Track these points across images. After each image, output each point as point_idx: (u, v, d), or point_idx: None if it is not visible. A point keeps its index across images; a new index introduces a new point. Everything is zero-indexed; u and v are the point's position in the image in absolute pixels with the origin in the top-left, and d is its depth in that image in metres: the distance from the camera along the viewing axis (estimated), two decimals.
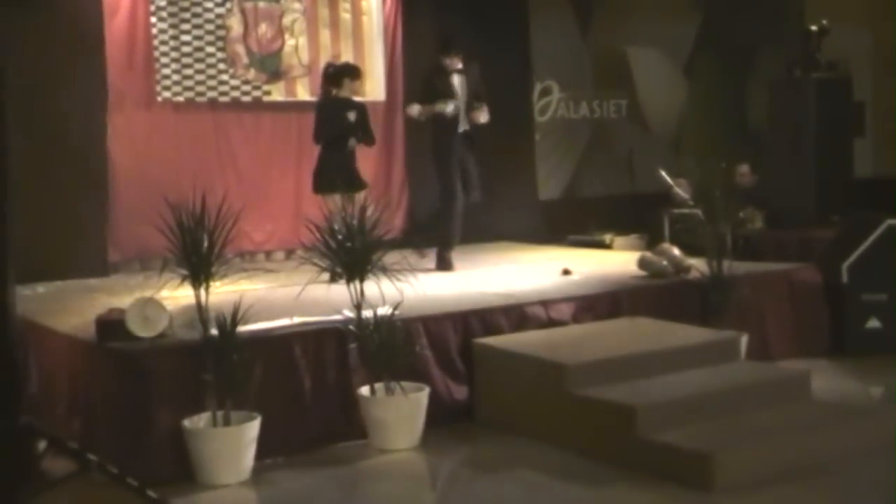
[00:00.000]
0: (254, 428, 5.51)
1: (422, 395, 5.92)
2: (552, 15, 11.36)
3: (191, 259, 5.61)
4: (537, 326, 6.69)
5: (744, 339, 6.89)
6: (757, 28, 12.36)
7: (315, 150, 8.55)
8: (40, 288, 7.94)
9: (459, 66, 8.39)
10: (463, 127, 8.39)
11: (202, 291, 5.58)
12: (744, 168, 9.68)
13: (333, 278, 6.14)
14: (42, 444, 5.30)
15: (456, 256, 8.54)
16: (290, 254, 9.51)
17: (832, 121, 9.66)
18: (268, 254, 9.60)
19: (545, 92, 11.40)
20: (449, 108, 8.22)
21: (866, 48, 12.08)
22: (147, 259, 8.70)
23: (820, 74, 9.76)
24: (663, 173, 10.03)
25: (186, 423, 5.48)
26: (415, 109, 8.39)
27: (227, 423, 5.48)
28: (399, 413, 5.90)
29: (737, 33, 12.29)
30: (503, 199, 10.32)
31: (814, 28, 9.99)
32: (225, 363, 5.48)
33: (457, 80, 8.35)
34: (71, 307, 7.00)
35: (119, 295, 7.03)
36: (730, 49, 12.35)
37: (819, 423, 5.79)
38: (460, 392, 6.31)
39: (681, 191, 9.69)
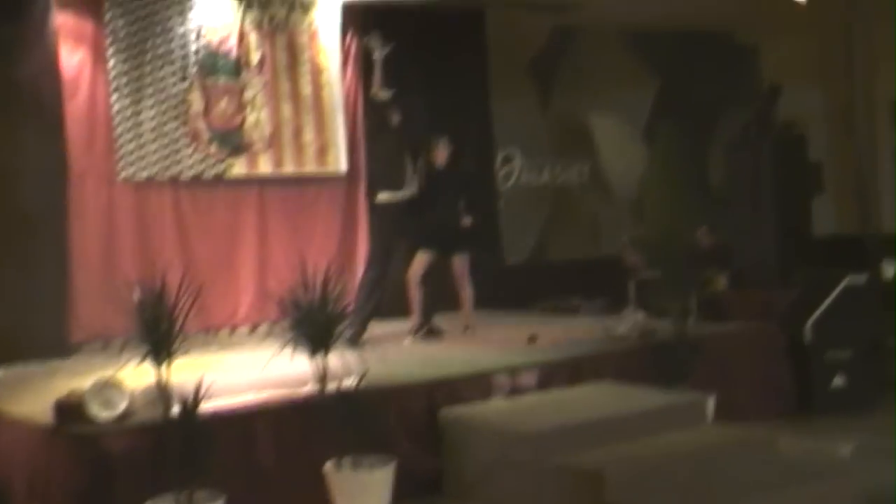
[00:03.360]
0: None
1: (388, 470, 5.86)
2: (513, 83, 11.46)
3: (152, 337, 5.58)
4: (503, 395, 6.67)
5: (710, 401, 6.88)
6: (714, 91, 12.51)
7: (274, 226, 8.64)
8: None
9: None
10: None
11: (164, 369, 5.54)
12: (703, 231, 9.75)
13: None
14: None
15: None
16: (254, 328, 9.46)
17: (789, 180, 9.77)
18: (232, 329, 9.52)
19: (507, 159, 11.48)
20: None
21: (821, 107, 12.22)
22: (109, 338, 8.59)
23: (775, 135, 9.87)
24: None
25: None
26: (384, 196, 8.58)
27: None
28: (366, 488, 5.83)
29: (694, 97, 12.43)
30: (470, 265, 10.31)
31: (768, 90, 10.11)
32: (187, 443, 5.42)
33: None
34: (30, 391, 6.88)
35: (80, 376, 6.94)
36: (688, 112, 12.48)
37: (787, 483, 5.78)
38: (427, 464, 6.26)
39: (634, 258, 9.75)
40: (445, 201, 8.53)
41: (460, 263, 8.65)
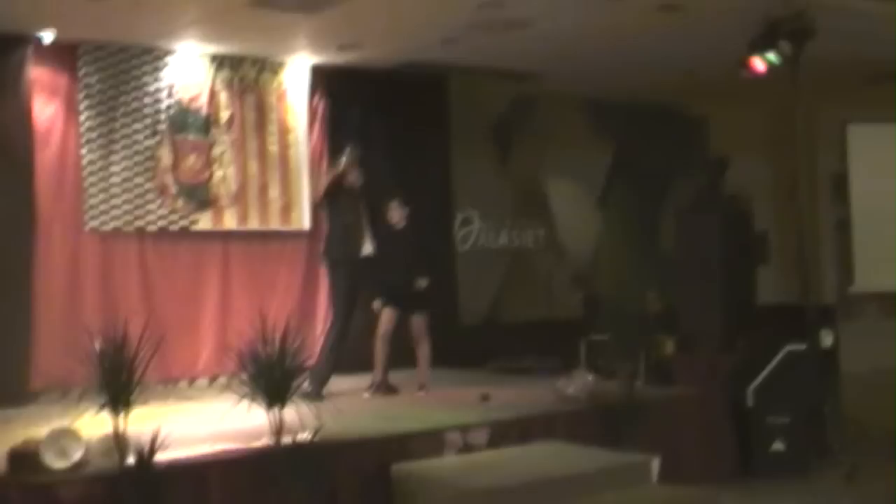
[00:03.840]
0: None
1: None
2: (473, 147, 11.50)
3: (111, 386, 5.52)
4: (455, 452, 6.63)
5: (655, 462, 6.86)
6: (666, 160, 12.60)
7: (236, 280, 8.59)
8: None
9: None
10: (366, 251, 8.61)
11: (121, 419, 5.48)
12: (652, 295, 9.81)
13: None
14: None
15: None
16: (213, 380, 9.37)
17: (735, 249, 9.85)
18: (191, 381, 9.42)
19: (466, 222, 11.51)
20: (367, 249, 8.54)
21: (767, 177, 12.36)
22: (69, 387, 8.44)
23: (723, 206, 9.96)
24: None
25: None
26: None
27: None
28: None
29: (647, 165, 12.53)
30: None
31: (717, 162, 10.23)
32: (142, 493, 5.35)
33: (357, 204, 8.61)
34: None
35: (37, 425, 6.81)
36: (641, 180, 12.58)
37: None
38: None
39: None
40: (402, 261, 8.49)
41: (418, 323, 8.60)
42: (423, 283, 8.48)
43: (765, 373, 8.08)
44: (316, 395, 7.82)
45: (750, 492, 7.53)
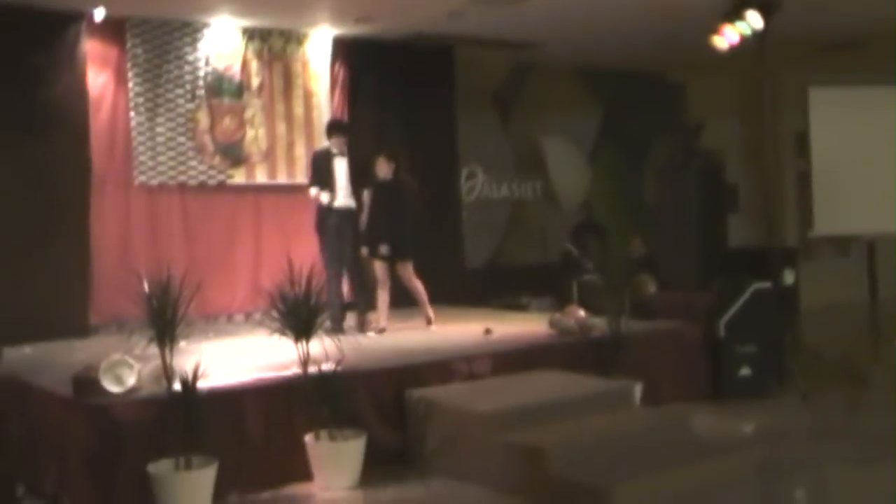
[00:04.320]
0: (211, 472, 5.37)
1: (360, 441, 5.81)
2: (477, 109, 11.42)
3: (158, 322, 5.51)
4: (461, 379, 6.62)
5: (638, 388, 6.86)
6: (649, 122, 12.54)
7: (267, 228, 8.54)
8: (27, 348, 7.70)
9: (341, 149, 8.29)
10: (342, 203, 8.25)
11: (167, 351, 5.47)
12: (637, 241, 9.76)
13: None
14: (20, 489, 5.12)
15: (393, 317, 8.46)
16: (248, 317, 9.37)
17: (710, 200, 9.80)
18: (229, 317, 9.43)
19: (471, 175, 11.45)
20: (324, 198, 8.18)
21: (738, 137, 12.28)
22: (123, 322, 8.47)
23: (699, 162, 9.89)
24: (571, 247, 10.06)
25: (151, 468, 5.33)
26: (312, 193, 8.32)
27: (188, 467, 5.33)
28: (340, 457, 5.78)
29: (633, 126, 12.47)
30: (434, 267, 10.25)
31: (693, 123, 10.15)
32: (186, 415, 5.35)
33: (338, 163, 8.25)
34: (53, 365, 6.79)
35: (96, 354, 6.83)
36: (626, 139, 12.52)
37: (700, 457, 5.78)
38: (394, 438, 6.20)
39: (584, 261, 9.71)
40: (383, 214, 8.20)
41: (402, 270, 8.34)
42: (384, 249, 8.17)
43: (734, 308, 8.03)
44: (337, 329, 7.73)
45: (720, 411, 7.54)
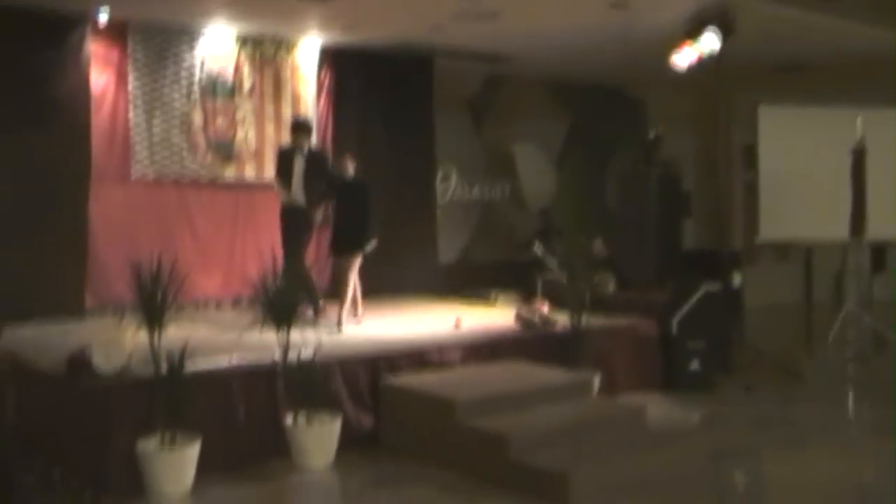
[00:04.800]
0: (195, 448, 5.27)
1: (335, 424, 5.71)
2: (452, 115, 11.29)
3: (147, 307, 5.38)
4: (432, 367, 6.52)
5: (596, 379, 6.81)
6: (611, 132, 12.51)
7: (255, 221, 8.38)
8: (26, 329, 7.52)
9: (302, 147, 8.12)
10: (291, 200, 8.07)
11: (156, 334, 5.34)
12: (598, 242, 9.64)
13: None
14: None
15: (369, 308, 8.32)
16: (235, 303, 9.20)
17: (667, 206, 9.73)
18: (217, 302, 9.26)
19: (445, 177, 11.33)
20: (282, 196, 8.08)
21: (691, 148, 12.31)
22: (118, 305, 8.30)
23: (658, 171, 9.82)
24: (537, 246, 9.94)
25: (139, 445, 5.21)
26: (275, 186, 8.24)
27: (173, 444, 5.22)
28: (316, 438, 5.67)
29: (596, 136, 12.42)
30: (410, 262, 10.19)
31: (652, 135, 10.10)
32: (173, 395, 5.23)
33: (298, 160, 8.08)
34: (49, 345, 6.62)
35: (90, 336, 6.67)
36: (591, 148, 12.47)
37: (653, 444, 5.72)
38: (367, 422, 6.11)
39: (548, 260, 9.57)
40: (345, 210, 7.94)
41: (353, 263, 7.90)
42: (371, 246, 7.92)
43: (686, 307, 8.00)
44: (314, 319, 7.60)
45: (672, 402, 7.53)
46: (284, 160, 8.17)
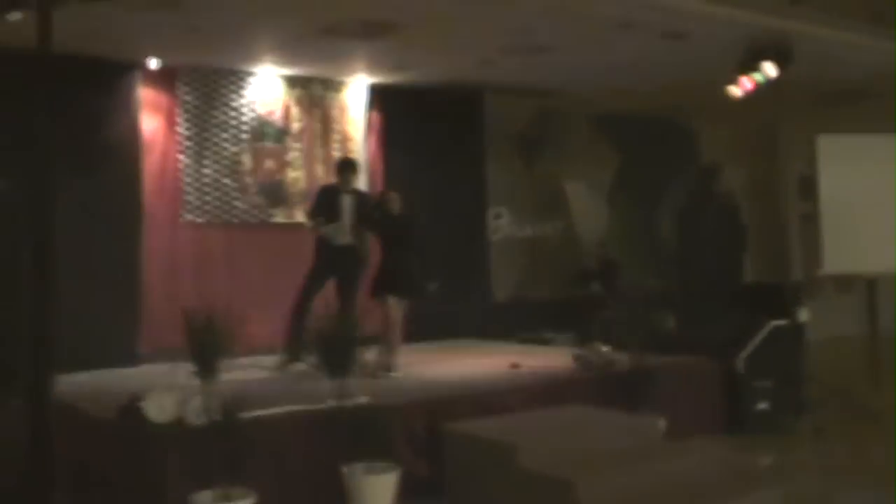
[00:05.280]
0: (250, 502, 5.05)
1: (393, 474, 5.47)
2: (504, 154, 11.14)
3: (199, 356, 5.23)
4: (491, 413, 6.25)
5: (661, 422, 6.49)
6: (663, 165, 12.26)
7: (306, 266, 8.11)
8: (81, 376, 7.42)
9: (350, 187, 7.92)
10: (343, 241, 7.80)
11: (209, 383, 5.19)
12: (654, 278, 9.38)
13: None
14: None
15: (423, 351, 8.08)
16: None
17: (727, 240, 9.45)
18: (269, 349, 9.08)
19: (497, 216, 11.13)
20: (329, 233, 7.73)
21: (742, 182, 12.01)
22: (172, 351, 8.19)
23: (717, 202, 9.55)
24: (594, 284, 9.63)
25: (192, 499, 5.01)
26: (308, 225, 7.92)
27: (227, 500, 5.01)
28: (374, 488, 5.43)
29: (648, 170, 12.18)
30: (462, 301, 9.98)
31: (708, 165, 9.84)
32: (227, 445, 5.04)
33: (346, 200, 7.85)
34: (102, 393, 6.52)
35: (143, 384, 6.55)
36: (643, 180, 12.22)
37: (727, 495, 5.40)
38: (426, 469, 5.84)
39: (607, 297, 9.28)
40: (404, 247, 7.53)
41: (403, 308, 7.56)
42: (432, 286, 7.55)
43: (753, 344, 7.68)
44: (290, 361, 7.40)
45: (742, 446, 7.21)
46: (327, 198, 7.92)
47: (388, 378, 7.03)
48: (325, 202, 7.87)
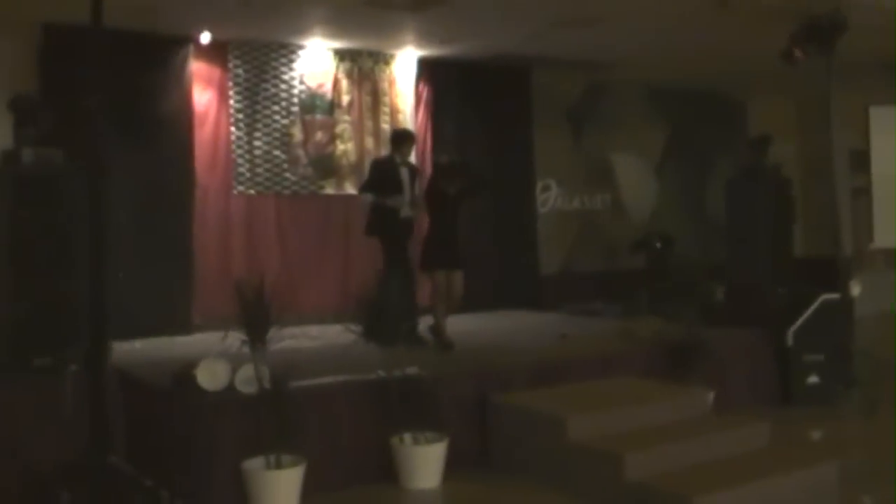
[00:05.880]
0: (300, 471, 5.03)
1: (442, 444, 5.40)
2: (551, 126, 10.91)
3: (251, 323, 5.17)
4: (540, 384, 6.14)
5: (711, 395, 6.32)
6: (712, 138, 11.98)
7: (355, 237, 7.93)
8: (137, 343, 7.45)
9: (407, 160, 7.54)
10: (406, 213, 7.42)
11: (259, 352, 5.13)
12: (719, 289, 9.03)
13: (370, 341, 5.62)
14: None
15: (471, 322, 7.95)
16: (339, 318, 8.97)
17: (777, 212, 9.16)
18: (320, 317, 9.04)
19: (545, 188, 10.95)
20: (399, 205, 7.31)
21: (793, 155, 11.69)
22: (224, 320, 8.15)
23: (768, 174, 9.25)
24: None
25: (245, 465, 4.99)
26: (368, 198, 7.41)
27: (278, 465, 5.00)
28: (423, 458, 5.37)
29: (697, 141, 11.91)
30: (511, 274, 9.85)
31: (760, 138, 9.53)
32: (277, 414, 5.00)
33: (405, 173, 7.47)
34: (156, 361, 6.52)
35: (196, 352, 6.53)
36: (692, 153, 11.96)
37: (783, 468, 5.21)
38: (475, 440, 5.76)
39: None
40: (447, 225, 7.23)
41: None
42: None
43: (803, 317, 7.47)
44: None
45: (793, 419, 6.98)
46: (384, 171, 7.53)
47: (439, 349, 6.91)
48: (383, 176, 7.45)
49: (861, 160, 10.42)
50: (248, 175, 8.78)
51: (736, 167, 9.83)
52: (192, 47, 8.48)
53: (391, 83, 9.60)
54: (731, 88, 11.98)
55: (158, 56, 8.30)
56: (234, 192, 8.73)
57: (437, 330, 7.06)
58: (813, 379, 7.45)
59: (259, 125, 8.85)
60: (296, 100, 9.03)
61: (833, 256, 8.53)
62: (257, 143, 8.84)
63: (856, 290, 8.38)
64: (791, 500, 4.91)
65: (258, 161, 8.84)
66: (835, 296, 7.70)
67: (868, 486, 5.45)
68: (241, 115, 8.78)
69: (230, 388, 5.26)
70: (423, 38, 9.02)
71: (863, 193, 10.65)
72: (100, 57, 4.43)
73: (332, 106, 9.24)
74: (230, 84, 8.76)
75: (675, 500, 4.63)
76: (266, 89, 8.90)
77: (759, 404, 7.10)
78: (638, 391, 6.09)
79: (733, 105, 12.31)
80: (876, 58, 9.99)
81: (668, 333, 6.98)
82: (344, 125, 9.30)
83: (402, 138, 7.71)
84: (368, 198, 7.42)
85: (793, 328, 7.45)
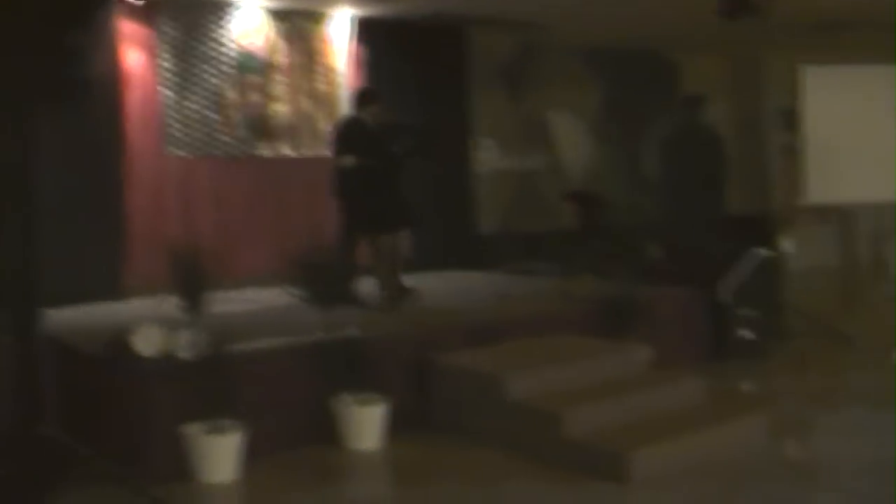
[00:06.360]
0: (240, 435, 4.98)
1: (383, 405, 5.40)
2: (489, 87, 10.88)
3: (186, 287, 5.10)
4: (479, 344, 6.17)
5: (647, 351, 6.43)
6: (646, 98, 12.07)
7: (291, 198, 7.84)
8: (67, 310, 7.28)
9: (376, 118, 7.43)
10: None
11: (196, 315, 5.06)
12: (639, 209, 9.21)
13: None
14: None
15: (410, 284, 7.92)
16: (277, 280, 8.87)
17: (711, 171, 9.30)
18: (257, 278, 8.95)
19: (483, 148, 10.94)
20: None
21: (725, 114, 11.86)
22: (157, 285, 8.03)
23: (702, 133, 9.37)
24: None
25: (184, 430, 4.94)
26: (349, 160, 7.28)
27: (217, 430, 4.94)
28: (364, 420, 5.37)
29: (633, 101, 11.99)
30: (448, 234, 9.85)
31: (695, 97, 9.64)
32: (216, 379, 4.94)
33: (379, 132, 7.35)
34: (90, 327, 6.38)
35: (131, 318, 6.41)
36: (628, 113, 12.05)
37: (714, 421, 5.35)
38: (415, 401, 5.77)
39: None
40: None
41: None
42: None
43: (737, 274, 7.62)
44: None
45: (724, 372, 7.19)
46: (355, 132, 7.36)
47: (380, 310, 6.88)
48: (354, 137, 7.28)
49: (793, 119, 10.61)
50: (180, 136, 8.57)
51: (671, 126, 9.92)
52: (118, 5, 8.17)
53: (326, 43, 9.44)
54: (666, 49, 12.07)
55: (84, 13, 7.99)
56: (166, 154, 8.53)
57: (388, 286, 7.06)
58: (746, 333, 7.62)
59: (191, 86, 8.64)
60: (228, 60, 8.83)
61: (765, 213, 8.73)
62: (189, 103, 8.63)
63: (787, 245, 8.60)
64: (723, 451, 5.04)
65: (191, 122, 8.63)
66: (767, 252, 7.88)
67: (796, 435, 5.63)
68: (171, 76, 8.54)
69: (168, 353, 5.18)
70: None
71: (794, 151, 10.85)
72: (21, 17, 4.27)
73: (266, 67, 9.06)
74: (160, 43, 8.48)
75: (611, 457, 4.71)
76: (197, 49, 8.67)
77: (694, 360, 7.24)
78: (575, 349, 6.16)
79: (668, 65, 12.40)
80: (811, 18, 10.16)
81: (605, 292, 7.06)
82: (279, 86, 9.13)
83: (369, 96, 7.53)
84: (350, 160, 7.23)
85: (726, 284, 7.59)
